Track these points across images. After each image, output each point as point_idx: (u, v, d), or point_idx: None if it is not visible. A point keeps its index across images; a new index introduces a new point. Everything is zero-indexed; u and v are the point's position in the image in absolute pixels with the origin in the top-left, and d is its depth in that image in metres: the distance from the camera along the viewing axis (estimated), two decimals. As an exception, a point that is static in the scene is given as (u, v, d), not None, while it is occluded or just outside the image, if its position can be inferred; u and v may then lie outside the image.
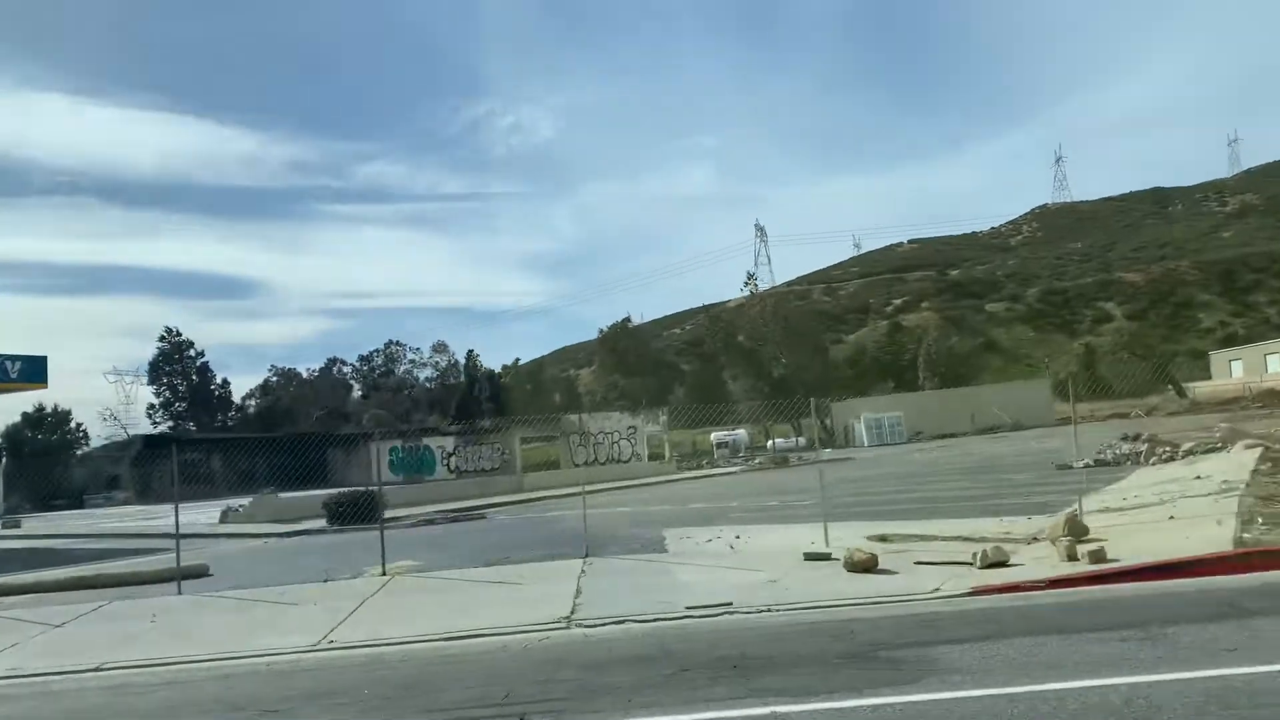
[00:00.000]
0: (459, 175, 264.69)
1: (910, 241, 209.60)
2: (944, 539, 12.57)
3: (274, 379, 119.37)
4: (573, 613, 9.66)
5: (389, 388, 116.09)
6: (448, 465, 47.06)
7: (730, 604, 9.53)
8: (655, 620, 9.13)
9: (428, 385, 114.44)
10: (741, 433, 55.03)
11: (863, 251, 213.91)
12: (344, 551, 17.50)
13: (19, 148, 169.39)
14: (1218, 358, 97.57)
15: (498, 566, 13.02)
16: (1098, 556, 9.86)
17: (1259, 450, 19.47)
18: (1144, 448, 22.55)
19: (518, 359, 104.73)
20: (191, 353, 67.54)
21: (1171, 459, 21.25)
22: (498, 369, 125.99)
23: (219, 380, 72.25)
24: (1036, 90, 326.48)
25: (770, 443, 54.59)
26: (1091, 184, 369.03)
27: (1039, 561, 10.39)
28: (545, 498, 32.86)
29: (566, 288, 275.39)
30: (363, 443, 50.04)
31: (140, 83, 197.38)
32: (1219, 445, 21.54)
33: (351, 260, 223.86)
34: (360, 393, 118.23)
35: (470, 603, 10.68)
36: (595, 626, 9.05)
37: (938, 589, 9.52)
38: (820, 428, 61.19)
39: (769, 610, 9.19)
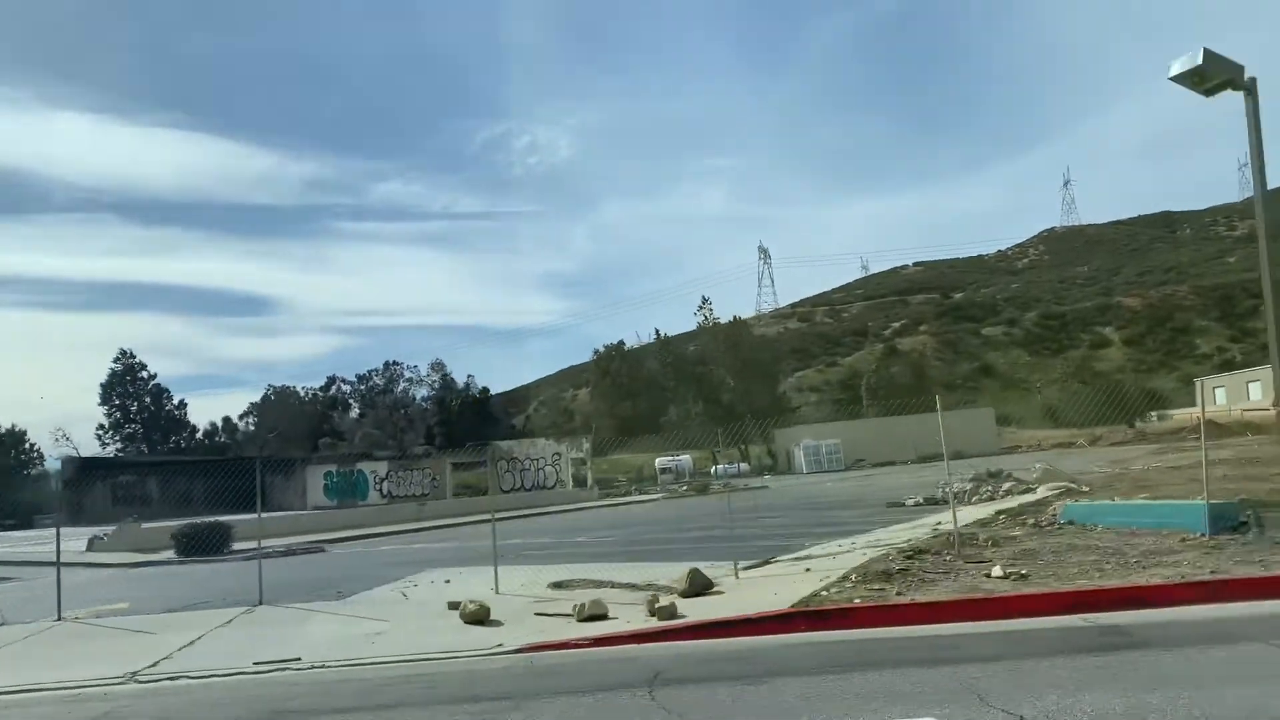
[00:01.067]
0: (476, 194, 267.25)
1: (915, 264, 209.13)
2: (617, 586, 12.69)
3: (271, 397, 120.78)
4: (153, 666, 9.87)
5: (385, 406, 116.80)
6: (380, 490, 47.62)
7: (299, 659, 9.72)
8: (211, 676, 9.32)
9: (424, 405, 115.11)
10: (686, 458, 55.09)
11: (870, 273, 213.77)
12: (138, 585, 17.93)
13: (40, 165, 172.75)
14: (1203, 385, 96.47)
15: (177, 613, 13.27)
16: (667, 613, 9.99)
17: (1057, 492, 19.46)
18: (969, 486, 22.50)
19: (470, 380, 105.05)
20: (145, 374, 68.50)
21: (992, 498, 21.18)
22: (495, 389, 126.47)
23: (175, 401, 73.16)
24: (1051, 112, 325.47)
25: (714, 468, 54.57)
26: (1105, 207, 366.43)
27: (634, 615, 10.51)
28: (445, 526, 33.32)
29: (582, 307, 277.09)
30: (300, 467, 50.58)
31: (160, 101, 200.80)
32: (1033, 485, 21.48)
33: (368, 278, 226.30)
34: (358, 411, 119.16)
35: (85, 654, 10.90)
36: (147, 683, 9.25)
37: (500, 645, 9.67)
38: (766, 453, 61.29)
39: (323, 666, 9.37)
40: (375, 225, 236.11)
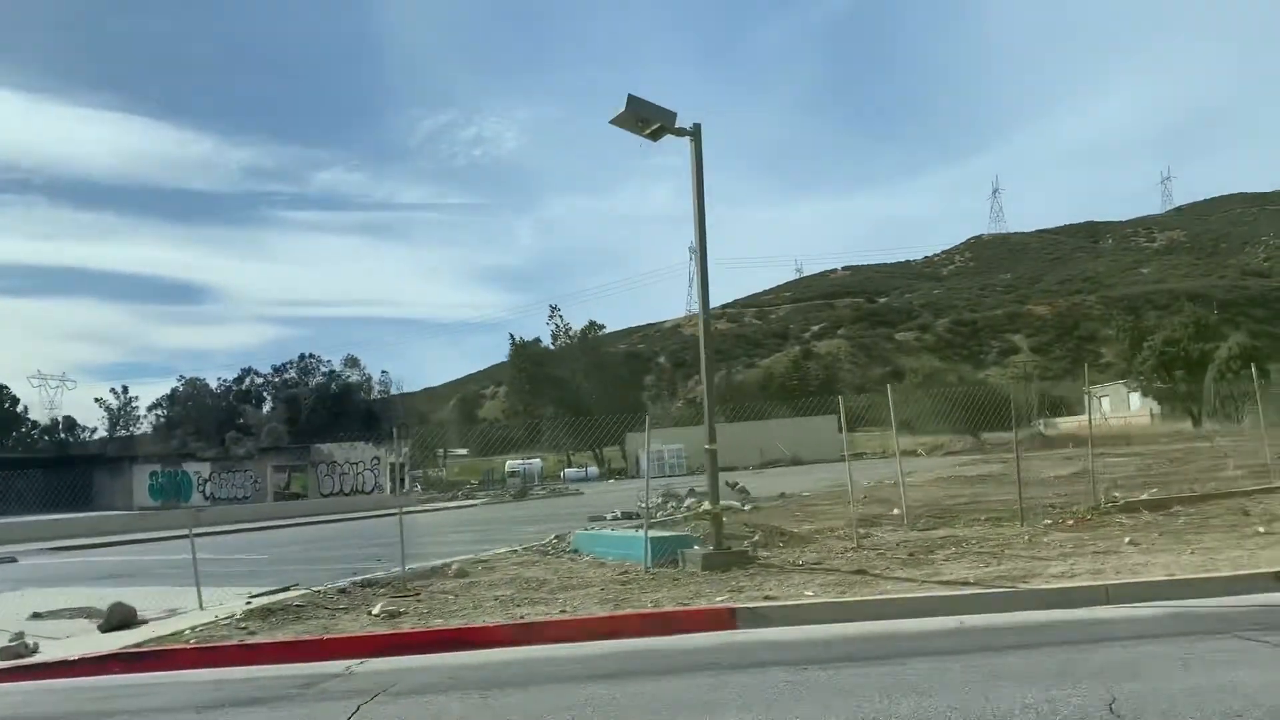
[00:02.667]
0: (419, 185, 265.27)
1: (844, 268, 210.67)
2: (90, 617, 12.25)
3: (180, 388, 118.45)
4: None
5: (299, 400, 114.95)
6: (203, 492, 46.78)
7: None
8: None
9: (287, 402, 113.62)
10: (536, 462, 54.82)
11: (803, 275, 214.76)
12: None
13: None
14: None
15: None
16: (12, 654, 9.59)
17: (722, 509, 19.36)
18: (658, 501, 22.33)
19: (385, 375, 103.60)
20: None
21: (673, 514, 21.01)
22: (428, 383, 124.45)
23: (10, 396, 71.42)
24: (992, 120, 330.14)
25: (563, 472, 54.41)
26: (1037, 215, 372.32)
27: (52, 648, 10.08)
28: (209, 534, 32.55)
29: (524, 301, 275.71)
30: (128, 466, 49.61)
31: (97, 82, 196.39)
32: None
33: (307, 268, 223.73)
34: (270, 405, 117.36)
35: None
36: None
37: None
38: (621, 457, 61.25)
39: None
40: (315, 214, 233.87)
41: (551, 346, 67.46)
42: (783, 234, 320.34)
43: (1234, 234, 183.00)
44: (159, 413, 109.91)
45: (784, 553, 12.77)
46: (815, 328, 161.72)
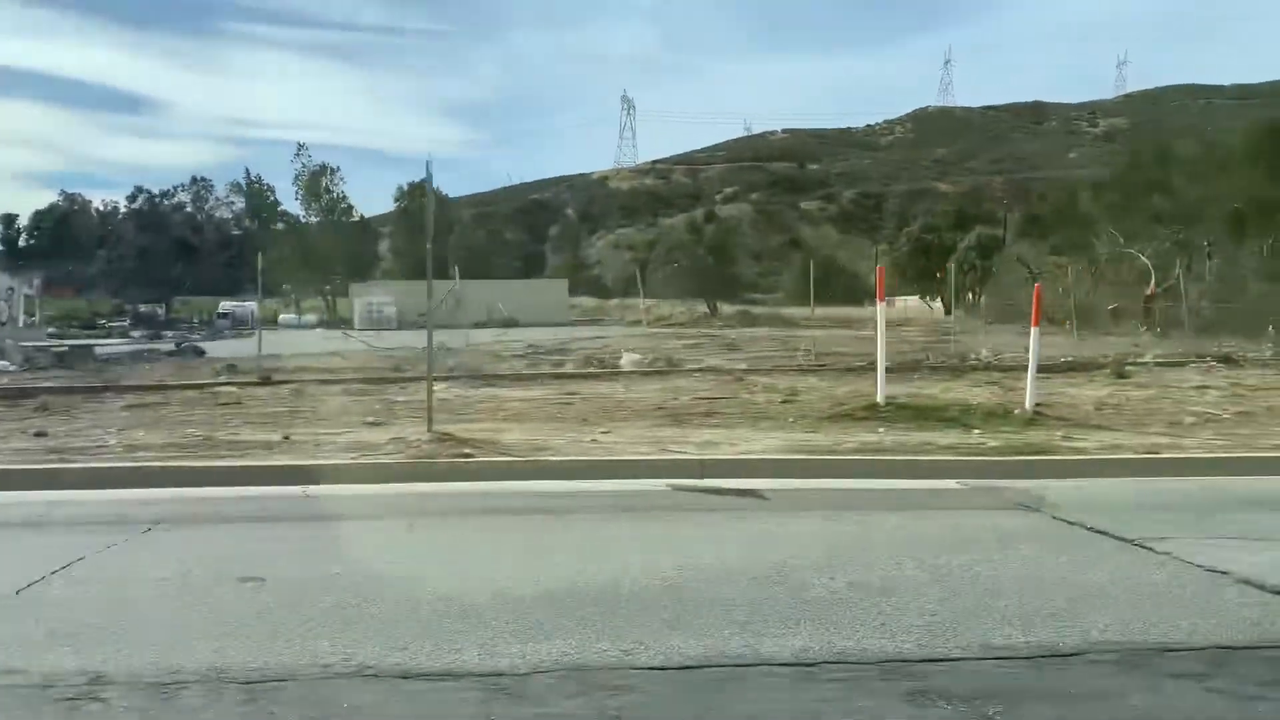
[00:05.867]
0: (378, 4, 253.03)
1: (783, 131, 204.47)
2: None
3: (61, 202, 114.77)
4: None
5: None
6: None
7: None
8: None
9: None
10: (250, 304, 52.97)
11: (750, 134, 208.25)
12: None
13: None
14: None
15: None
16: None
17: None
18: None
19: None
20: None
21: None
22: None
23: None
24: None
25: (280, 317, 52.83)
26: (999, 91, 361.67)
27: None
28: None
29: (481, 138, 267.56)
30: None
31: None
32: None
33: (257, 86, 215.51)
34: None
35: None
36: None
37: None
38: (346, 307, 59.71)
39: None
40: (269, 29, 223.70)
41: (294, 188, 64.11)
42: (747, 90, 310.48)
43: (1175, 125, 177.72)
44: (43, 228, 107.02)
45: None
46: (727, 189, 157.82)
